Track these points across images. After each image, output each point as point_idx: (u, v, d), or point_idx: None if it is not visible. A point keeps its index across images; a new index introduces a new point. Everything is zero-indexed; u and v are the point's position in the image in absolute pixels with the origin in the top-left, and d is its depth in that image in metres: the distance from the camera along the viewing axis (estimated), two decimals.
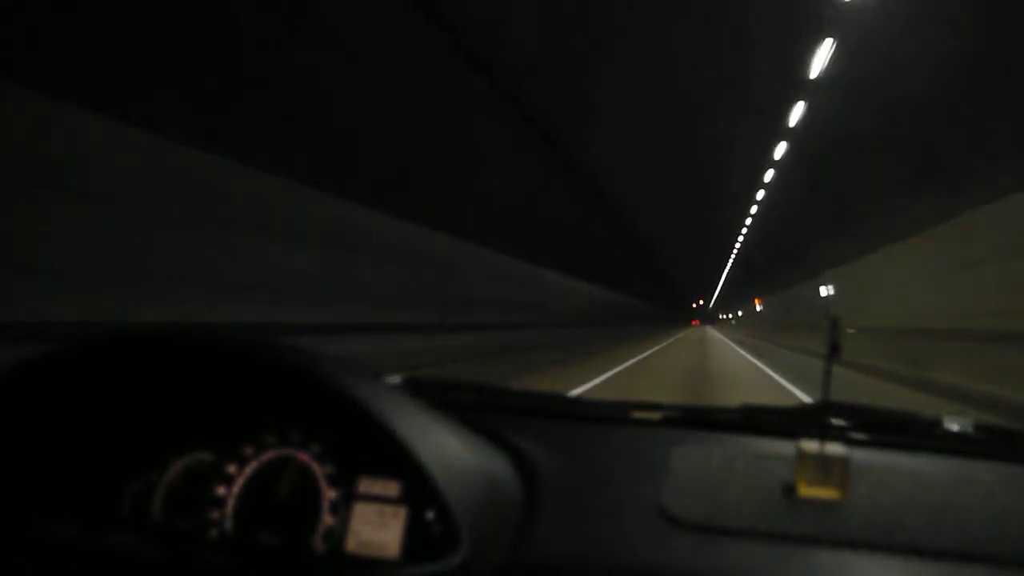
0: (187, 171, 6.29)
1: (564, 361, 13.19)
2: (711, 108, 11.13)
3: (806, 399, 7.39)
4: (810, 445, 0.70)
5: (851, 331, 14.50)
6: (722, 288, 77.50)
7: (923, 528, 0.64)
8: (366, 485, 0.68)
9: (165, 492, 0.74)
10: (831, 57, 8.85)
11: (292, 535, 0.67)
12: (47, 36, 4.62)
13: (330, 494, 0.68)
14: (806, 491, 0.69)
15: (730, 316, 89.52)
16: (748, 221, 25.76)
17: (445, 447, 0.67)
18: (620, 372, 11.28)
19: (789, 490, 0.70)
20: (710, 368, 12.81)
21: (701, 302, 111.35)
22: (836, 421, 0.89)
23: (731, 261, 41.77)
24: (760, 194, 19.60)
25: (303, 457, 0.72)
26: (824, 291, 21.04)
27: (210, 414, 0.77)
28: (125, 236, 5.58)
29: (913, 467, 0.77)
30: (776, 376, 10.84)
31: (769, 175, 16.68)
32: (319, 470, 0.70)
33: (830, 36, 8.52)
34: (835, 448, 0.70)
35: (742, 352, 18.90)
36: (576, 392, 7.55)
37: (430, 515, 0.64)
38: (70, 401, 0.75)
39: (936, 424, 0.89)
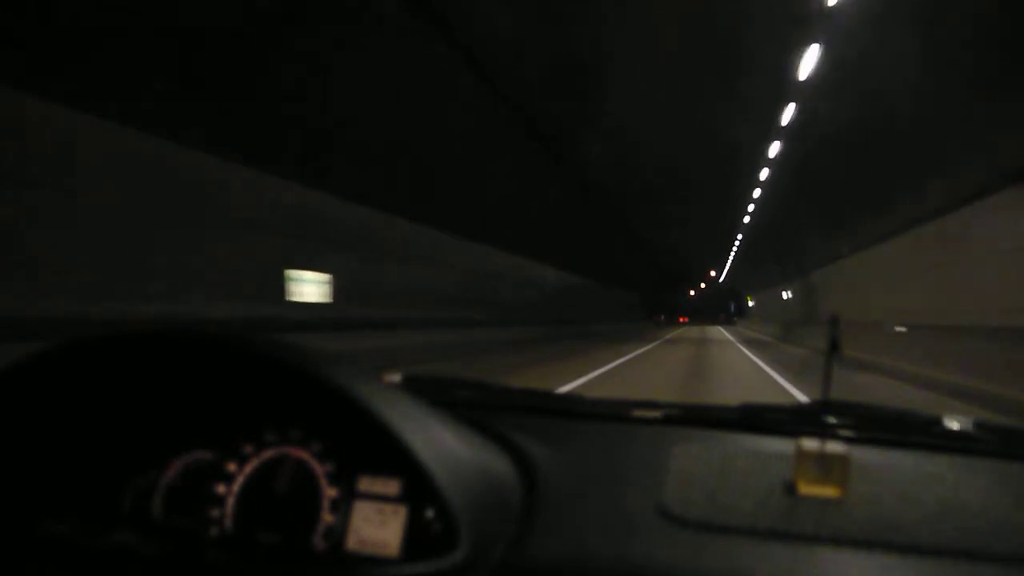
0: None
1: None
2: None
3: None
4: (810, 443, 0.70)
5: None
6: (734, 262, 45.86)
7: (923, 526, 0.64)
8: (366, 483, 0.68)
9: (165, 491, 0.74)
10: None
11: (292, 533, 0.67)
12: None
13: (330, 492, 0.69)
14: (806, 489, 0.69)
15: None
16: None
17: (445, 445, 0.67)
18: None
19: (789, 488, 0.70)
20: None
21: (702, 286, 71.59)
22: (836, 419, 0.89)
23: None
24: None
25: (303, 455, 0.72)
26: None
27: (210, 412, 0.77)
28: None
29: (913, 465, 0.77)
30: None
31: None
32: (319, 468, 0.70)
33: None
34: (835, 446, 0.70)
35: None
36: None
37: (430, 513, 0.64)
38: (70, 399, 0.75)
39: (936, 422, 0.89)
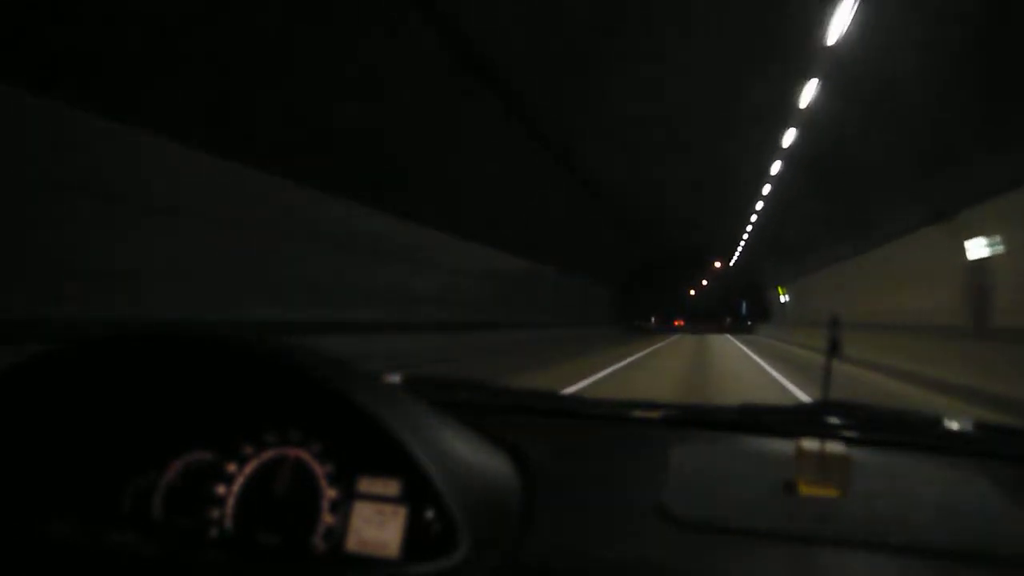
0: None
1: None
2: None
3: None
4: (810, 444, 0.70)
5: None
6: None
7: (922, 526, 0.64)
8: (366, 484, 0.68)
9: (165, 491, 0.74)
10: None
11: (292, 534, 0.68)
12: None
13: (330, 493, 0.69)
14: (806, 490, 0.69)
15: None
16: None
17: (444, 446, 0.67)
18: None
19: (789, 489, 0.70)
20: None
21: (703, 283, 51.48)
22: (836, 420, 0.89)
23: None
24: None
25: (303, 456, 0.72)
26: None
27: (210, 413, 0.77)
28: None
29: (912, 466, 0.77)
30: None
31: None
32: (319, 469, 0.70)
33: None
34: (835, 447, 0.70)
35: None
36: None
37: (430, 514, 0.64)
38: (71, 400, 0.75)
39: (935, 423, 0.89)
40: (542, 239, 19.62)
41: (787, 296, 34.52)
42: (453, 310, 15.15)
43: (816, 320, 18.99)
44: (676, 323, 52.18)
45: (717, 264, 45.97)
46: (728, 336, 33.06)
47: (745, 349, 19.41)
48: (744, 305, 49.73)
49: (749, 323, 45.77)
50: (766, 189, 19.30)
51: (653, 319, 50.61)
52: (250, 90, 7.14)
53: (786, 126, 13.07)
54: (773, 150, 14.86)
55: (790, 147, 14.06)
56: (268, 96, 7.46)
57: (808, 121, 12.20)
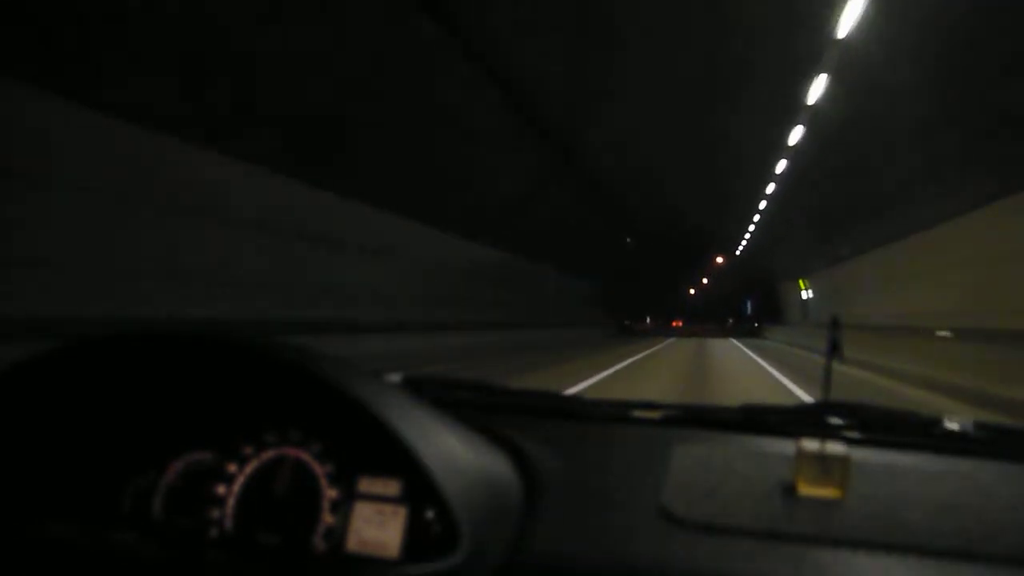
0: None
1: None
2: None
3: None
4: (810, 444, 0.70)
5: None
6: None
7: (923, 527, 0.64)
8: (366, 484, 0.68)
9: (165, 491, 0.74)
10: None
11: (292, 534, 0.68)
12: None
13: (330, 493, 0.69)
14: (806, 490, 0.69)
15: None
16: None
17: (445, 446, 0.67)
18: None
19: (789, 489, 0.70)
20: None
21: (702, 282, 47.64)
22: (836, 420, 0.88)
23: None
24: None
25: (303, 456, 0.72)
26: None
27: (210, 413, 0.77)
28: None
29: (913, 466, 0.77)
30: None
31: None
32: (319, 469, 0.70)
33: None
34: (835, 447, 0.70)
35: None
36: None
37: (430, 514, 0.64)
38: (71, 400, 0.75)
39: (936, 423, 0.88)
40: (526, 231, 17.22)
41: (810, 291, 27.37)
42: (400, 308, 12.22)
43: (863, 323, 13.96)
44: (674, 324, 47.55)
45: (720, 259, 40.52)
46: (734, 341, 27.37)
47: (781, 380, 10.51)
48: (749, 304, 43.20)
49: (756, 324, 38.90)
50: (781, 165, 15.78)
51: (649, 319, 46.59)
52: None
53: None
54: (792, 116, 12.08)
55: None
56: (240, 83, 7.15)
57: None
